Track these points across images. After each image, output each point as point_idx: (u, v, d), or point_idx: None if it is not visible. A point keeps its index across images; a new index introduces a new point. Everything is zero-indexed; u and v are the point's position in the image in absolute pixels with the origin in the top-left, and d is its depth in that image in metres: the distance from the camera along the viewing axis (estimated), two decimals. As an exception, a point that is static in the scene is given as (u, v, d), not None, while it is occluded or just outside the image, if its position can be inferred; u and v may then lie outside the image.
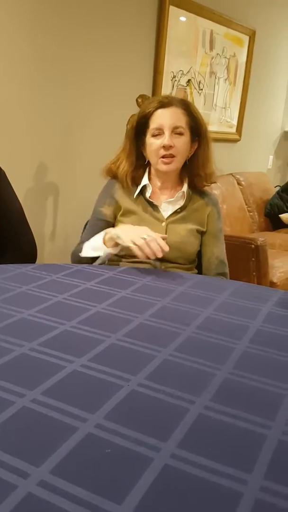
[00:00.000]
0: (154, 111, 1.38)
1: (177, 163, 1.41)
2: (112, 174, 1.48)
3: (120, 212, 1.45)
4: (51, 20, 2.19)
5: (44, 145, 2.33)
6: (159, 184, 1.47)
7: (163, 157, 1.38)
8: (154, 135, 1.38)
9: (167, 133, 1.36)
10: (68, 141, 2.45)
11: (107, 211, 1.46)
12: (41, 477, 0.47)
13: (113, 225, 1.45)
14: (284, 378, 0.70)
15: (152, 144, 1.39)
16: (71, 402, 0.59)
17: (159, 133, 1.38)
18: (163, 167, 1.40)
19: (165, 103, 1.38)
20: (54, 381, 0.64)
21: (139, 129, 1.42)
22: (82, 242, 1.46)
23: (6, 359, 0.69)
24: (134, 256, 1.43)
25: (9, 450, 0.50)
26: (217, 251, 1.49)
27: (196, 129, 1.41)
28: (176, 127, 1.37)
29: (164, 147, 1.36)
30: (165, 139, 1.36)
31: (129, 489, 0.46)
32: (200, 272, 1.51)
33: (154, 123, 1.38)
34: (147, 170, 1.47)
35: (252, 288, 1.15)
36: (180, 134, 1.37)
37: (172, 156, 1.38)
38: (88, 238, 1.44)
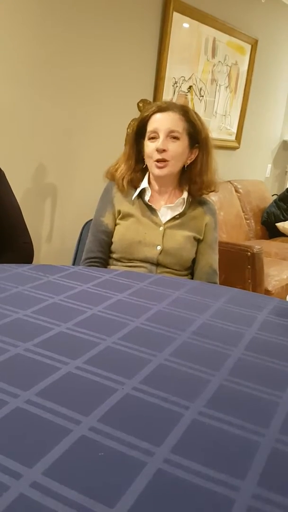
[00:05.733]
0: (151, 115, 1.40)
1: (171, 168, 1.41)
2: (112, 177, 1.49)
3: (119, 216, 1.46)
4: (54, 21, 2.20)
5: (43, 146, 2.33)
6: (157, 187, 1.47)
7: (157, 160, 1.39)
8: (150, 138, 1.40)
9: (161, 136, 1.37)
10: (67, 143, 2.46)
11: (108, 220, 1.46)
12: (33, 478, 0.47)
13: (113, 233, 1.46)
14: (279, 386, 0.70)
15: (148, 146, 1.41)
16: (65, 404, 0.59)
17: (154, 136, 1.39)
18: (156, 171, 1.41)
19: (163, 107, 1.39)
20: (48, 382, 0.64)
21: (138, 133, 1.44)
22: (89, 251, 1.46)
23: (0, 359, 0.69)
24: (131, 260, 1.43)
25: (1, 450, 0.50)
26: (211, 260, 1.49)
27: (195, 135, 1.41)
28: (171, 131, 1.37)
29: (157, 150, 1.37)
30: (159, 143, 1.37)
31: (122, 493, 0.46)
32: (191, 278, 1.51)
33: (150, 126, 1.40)
34: (148, 173, 1.48)
35: (248, 295, 1.15)
36: (176, 138, 1.38)
37: (165, 160, 1.39)
38: (93, 249, 1.45)
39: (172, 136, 1.38)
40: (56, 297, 0.98)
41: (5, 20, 2.01)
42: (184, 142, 1.40)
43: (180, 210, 1.45)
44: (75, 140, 2.48)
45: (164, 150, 1.37)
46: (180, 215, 1.45)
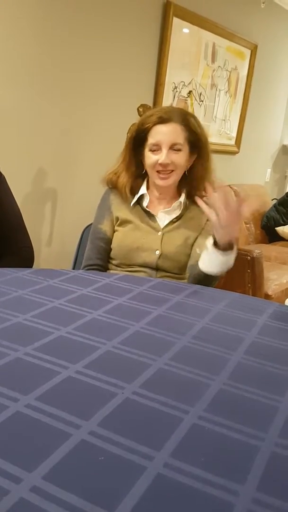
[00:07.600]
0: (152, 126, 1.38)
1: (174, 177, 1.41)
2: (112, 184, 1.49)
3: (118, 222, 1.46)
4: (53, 24, 2.21)
5: (43, 150, 2.34)
6: (157, 194, 1.47)
7: (159, 172, 1.39)
8: (151, 150, 1.39)
9: (164, 150, 1.36)
10: (67, 147, 2.46)
11: (106, 227, 1.46)
12: (33, 482, 0.47)
13: (111, 240, 1.46)
14: (278, 390, 0.70)
15: (150, 158, 1.39)
16: (65, 408, 0.59)
17: (156, 149, 1.37)
18: (160, 182, 1.40)
19: (165, 119, 1.37)
20: (48, 386, 0.64)
21: (138, 140, 1.43)
22: (88, 259, 1.46)
23: (0, 363, 0.69)
24: (130, 265, 1.43)
25: (2, 454, 0.50)
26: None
27: (195, 142, 1.41)
28: (174, 144, 1.36)
29: (161, 164, 1.37)
30: (162, 157, 1.36)
31: (122, 497, 0.46)
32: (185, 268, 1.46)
33: (152, 138, 1.38)
34: (146, 179, 1.48)
35: (248, 300, 1.16)
36: (178, 150, 1.37)
37: (169, 171, 1.38)
38: (92, 257, 1.45)
39: (174, 148, 1.37)
40: (56, 301, 0.98)
41: (6, 23, 2.02)
42: (185, 151, 1.39)
43: (177, 213, 1.46)
44: (75, 144, 2.49)
45: (168, 164, 1.37)
46: (178, 218, 1.46)
